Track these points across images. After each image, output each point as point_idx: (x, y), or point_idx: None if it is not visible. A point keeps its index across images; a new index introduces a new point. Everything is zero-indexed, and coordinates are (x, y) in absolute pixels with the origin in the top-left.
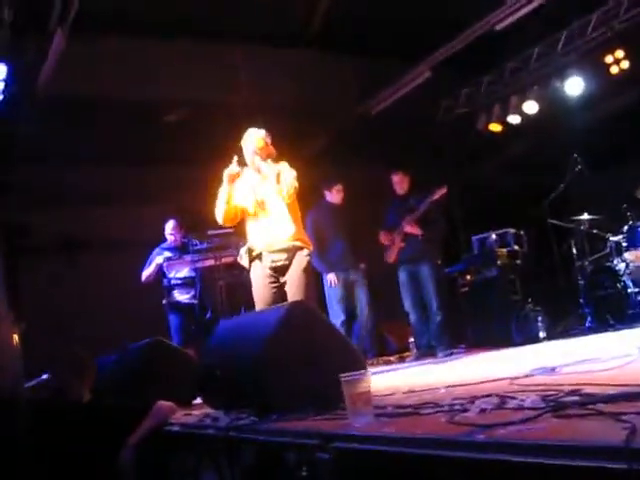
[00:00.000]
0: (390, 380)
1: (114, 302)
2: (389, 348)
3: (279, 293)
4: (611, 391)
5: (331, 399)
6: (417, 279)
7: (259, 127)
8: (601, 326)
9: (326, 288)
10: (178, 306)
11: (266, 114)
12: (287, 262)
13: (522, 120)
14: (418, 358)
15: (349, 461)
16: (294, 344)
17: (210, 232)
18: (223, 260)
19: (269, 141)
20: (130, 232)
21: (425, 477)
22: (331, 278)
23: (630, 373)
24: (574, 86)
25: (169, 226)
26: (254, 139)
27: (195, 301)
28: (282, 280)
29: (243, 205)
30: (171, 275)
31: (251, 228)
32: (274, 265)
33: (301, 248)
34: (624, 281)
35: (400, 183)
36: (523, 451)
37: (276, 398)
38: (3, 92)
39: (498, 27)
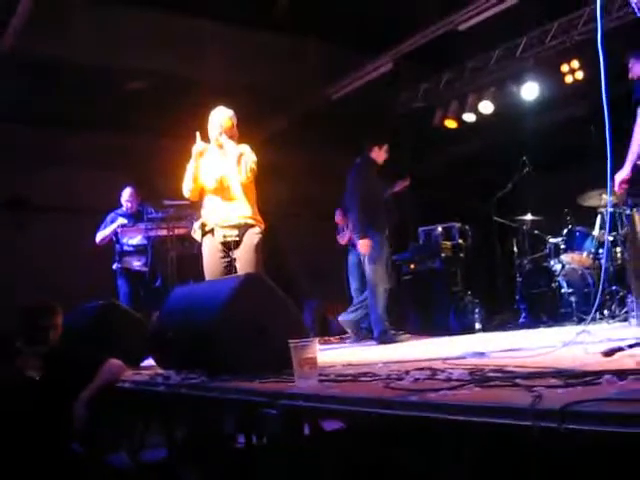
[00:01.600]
0: (331, 356)
1: (64, 266)
2: (331, 329)
3: (229, 268)
4: (529, 371)
5: (278, 366)
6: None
7: (226, 106)
8: (534, 322)
9: (374, 253)
10: (129, 272)
11: (229, 92)
12: (238, 238)
13: (477, 118)
14: (358, 340)
15: (294, 417)
16: (247, 312)
17: (166, 202)
18: (176, 231)
19: (235, 122)
20: (84, 197)
21: (363, 433)
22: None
23: (550, 360)
24: (529, 91)
25: (126, 193)
26: (222, 117)
27: (146, 269)
28: (232, 255)
29: (203, 180)
30: (124, 241)
31: (207, 203)
32: (225, 240)
33: (252, 225)
34: (559, 281)
35: None
36: (447, 411)
37: (227, 361)
38: None
39: (461, 27)
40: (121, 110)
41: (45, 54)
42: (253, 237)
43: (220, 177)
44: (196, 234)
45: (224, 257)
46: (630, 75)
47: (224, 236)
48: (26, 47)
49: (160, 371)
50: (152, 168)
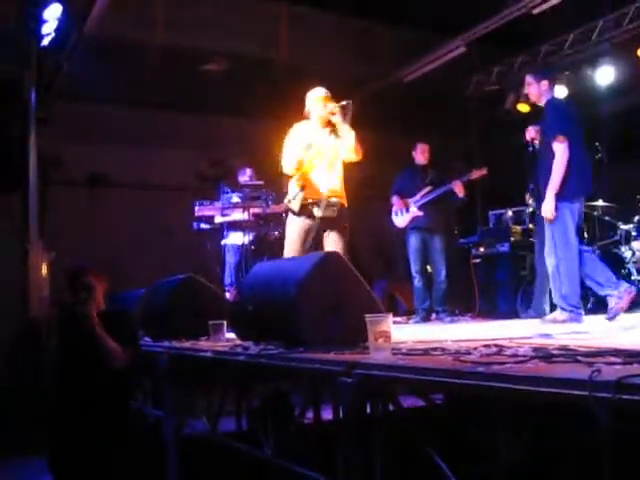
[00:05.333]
0: (401, 333)
1: (139, 240)
2: (399, 309)
3: (311, 243)
4: (591, 350)
5: (352, 340)
6: (428, 246)
7: (300, 88)
8: (602, 308)
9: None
10: (229, 247)
11: (302, 74)
12: (334, 215)
13: None
14: (424, 320)
15: (369, 386)
16: (325, 288)
17: (242, 183)
18: (251, 210)
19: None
20: (159, 174)
21: (431, 401)
22: None
23: (611, 341)
24: (605, 75)
25: (247, 173)
26: (329, 102)
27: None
28: (325, 232)
29: (307, 157)
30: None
31: (310, 177)
32: (324, 216)
33: (344, 206)
34: (628, 268)
35: (424, 153)
36: (512, 381)
37: (305, 333)
38: (55, 30)
39: (535, 11)
40: (198, 91)
41: (126, 36)
42: (345, 218)
43: (327, 153)
44: (292, 204)
45: (311, 233)
46: (525, 91)
47: (324, 212)
48: (106, 29)
49: (240, 342)
50: (224, 149)
